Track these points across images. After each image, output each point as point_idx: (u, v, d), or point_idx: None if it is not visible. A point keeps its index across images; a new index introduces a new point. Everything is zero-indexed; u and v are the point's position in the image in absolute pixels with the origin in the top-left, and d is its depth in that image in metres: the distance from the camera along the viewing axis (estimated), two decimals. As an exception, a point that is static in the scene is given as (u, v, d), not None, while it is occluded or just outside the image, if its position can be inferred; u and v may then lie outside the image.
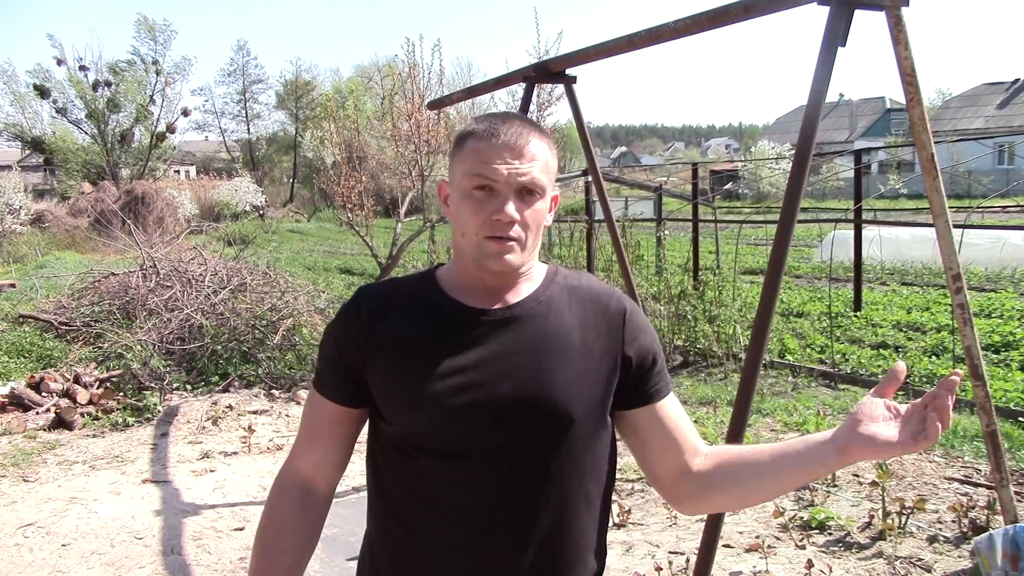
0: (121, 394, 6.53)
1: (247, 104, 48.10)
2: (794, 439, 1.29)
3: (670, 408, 1.37)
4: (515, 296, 1.32)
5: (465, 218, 1.27)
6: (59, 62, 30.01)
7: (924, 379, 6.47)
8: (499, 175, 1.25)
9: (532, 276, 1.36)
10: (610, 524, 4.03)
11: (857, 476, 4.54)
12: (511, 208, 1.24)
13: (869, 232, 11.94)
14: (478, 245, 1.27)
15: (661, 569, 3.34)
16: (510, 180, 1.25)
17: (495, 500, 1.25)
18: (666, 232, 10.94)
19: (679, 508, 1.44)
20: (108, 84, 30.79)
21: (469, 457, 1.25)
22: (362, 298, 1.35)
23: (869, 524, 3.87)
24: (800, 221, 3.22)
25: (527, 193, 1.27)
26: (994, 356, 7.05)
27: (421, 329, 1.29)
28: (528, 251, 1.29)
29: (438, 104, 6.63)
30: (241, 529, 4.25)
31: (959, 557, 3.53)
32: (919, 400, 1.16)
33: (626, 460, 5.05)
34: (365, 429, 1.42)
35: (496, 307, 1.30)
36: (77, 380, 6.49)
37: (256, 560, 1.37)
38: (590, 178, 6.83)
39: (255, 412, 6.27)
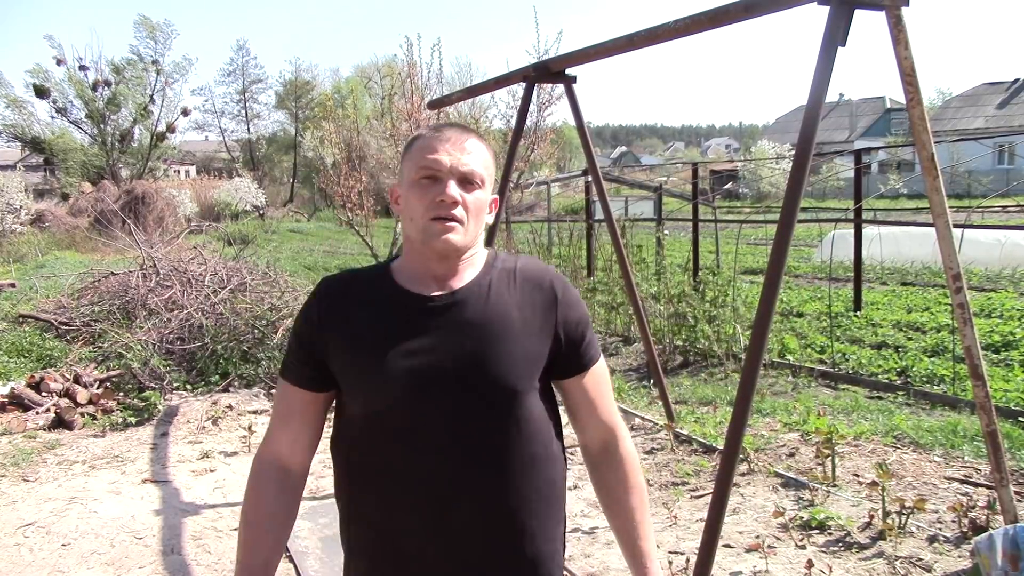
0: (121, 394, 6.53)
1: (247, 104, 48.08)
2: (631, 538, 1.57)
3: (596, 377, 1.52)
4: (459, 282, 1.45)
5: (413, 205, 1.41)
6: (58, 62, 30.04)
7: (924, 379, 6.42)
8: (442, 164, 1.40)
9: (474, 262, 1.48)
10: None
11: (857, 476, 4.53)
12: (453, 189, 1.39)
13: (869, 232, 11.93)
14: (424, 227, 1.40)
15: (661, 569, 3.34)
16: (452, 169, 1.40)
17: (452, 467, 1.37)
18: (666, 232, 10.93)
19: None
20: (108, 84, 30.79)
21: (425, 430, 1.37)
22: (320, 288, 1.49)
23: (869, 524, 3.86)
24: (800, 221, 3.22)
25: (467, 182, 1.42)
26: (994, 356, 7.04)
27: (374, 316, 1.42)
28: (470, 235, 1.43)
29: (438, 104, 6.63)
30: (241, 529, 4.24)
31: (959, 557, 3.53)
32: None
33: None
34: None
35: (441, 293, 1.43)
36: (77, 380, 6.49)
37: (243, 538, 1.47)
38: (590, 178, 6.83)
39: (255, 412, 6.27)
